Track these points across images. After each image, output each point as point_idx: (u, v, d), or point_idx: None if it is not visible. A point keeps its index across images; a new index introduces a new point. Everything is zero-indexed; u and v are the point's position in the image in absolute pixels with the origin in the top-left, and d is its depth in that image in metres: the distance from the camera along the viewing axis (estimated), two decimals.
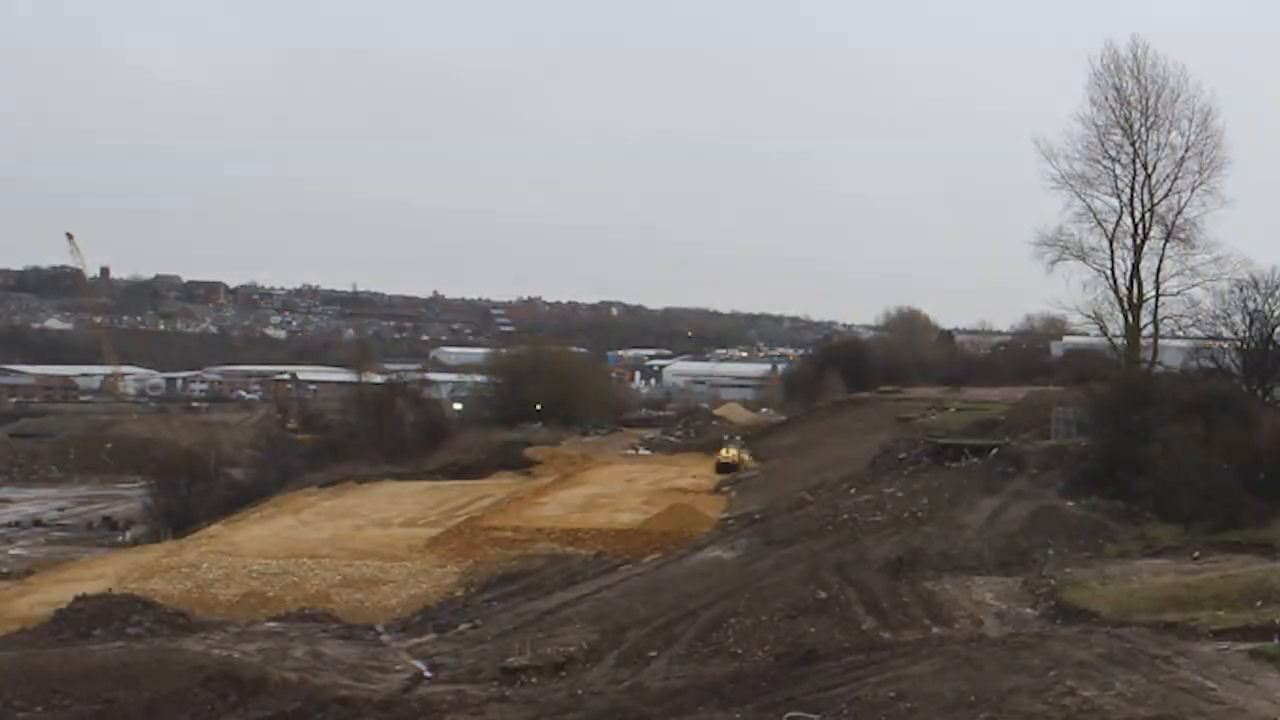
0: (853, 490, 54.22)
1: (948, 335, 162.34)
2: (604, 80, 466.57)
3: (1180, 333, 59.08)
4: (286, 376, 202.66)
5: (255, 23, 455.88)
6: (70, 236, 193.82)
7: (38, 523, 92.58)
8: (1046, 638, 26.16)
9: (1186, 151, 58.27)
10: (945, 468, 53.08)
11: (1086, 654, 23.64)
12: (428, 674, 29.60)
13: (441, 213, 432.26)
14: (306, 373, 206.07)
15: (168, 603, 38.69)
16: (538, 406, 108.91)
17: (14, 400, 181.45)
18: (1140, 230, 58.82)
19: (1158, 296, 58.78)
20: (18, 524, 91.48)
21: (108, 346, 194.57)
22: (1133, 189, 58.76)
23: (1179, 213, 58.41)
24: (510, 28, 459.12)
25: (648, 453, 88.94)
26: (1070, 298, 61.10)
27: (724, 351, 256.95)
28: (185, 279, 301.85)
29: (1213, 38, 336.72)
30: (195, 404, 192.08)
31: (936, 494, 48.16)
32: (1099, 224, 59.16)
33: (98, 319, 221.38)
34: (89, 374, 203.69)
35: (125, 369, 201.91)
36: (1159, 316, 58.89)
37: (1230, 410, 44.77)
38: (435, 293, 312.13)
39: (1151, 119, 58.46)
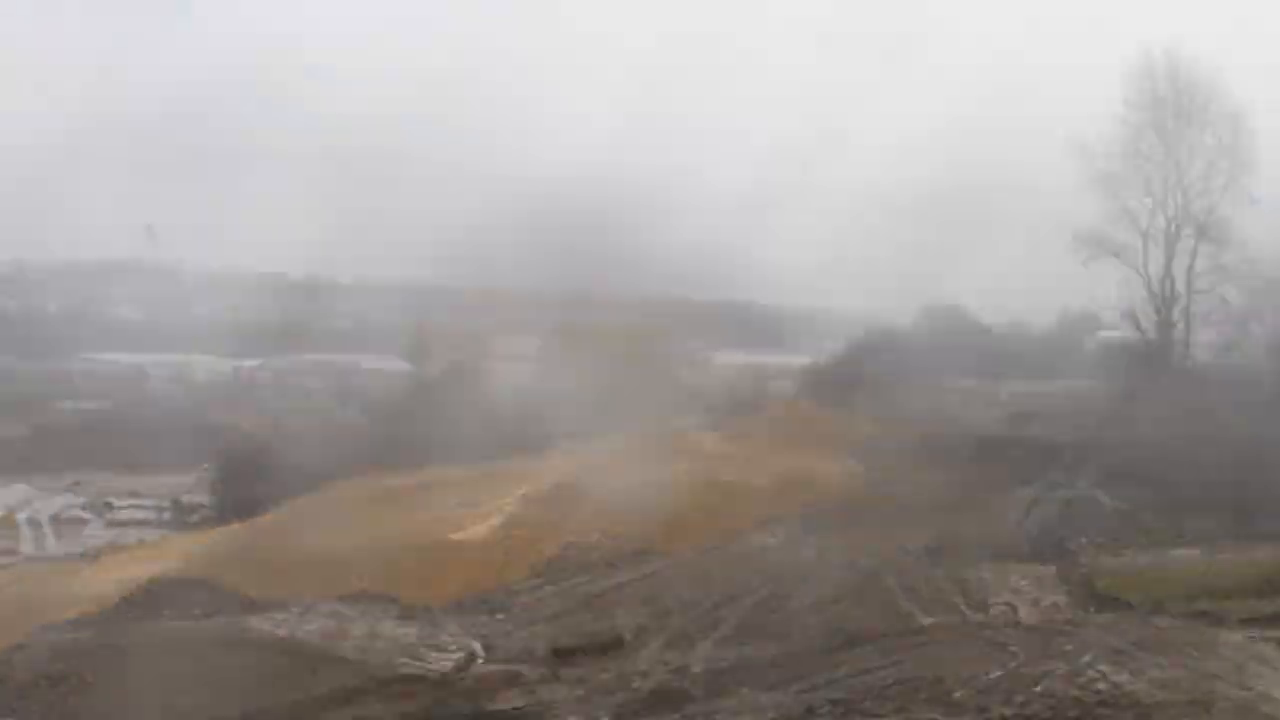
0: (891, 480, 54.53)
1: (985, 329, 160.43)
2: None
3: (1213, 329, 59.10)
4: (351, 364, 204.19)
5: None
6: (150, 228, 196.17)
7: (108, 505, 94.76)
8: (1080, 625, 26.70)
9: (1219, 152, 58.23)
10: (982, 458, 53.34)
11: (1119, 641, 24.14)
12: (481, 654, 30.41)
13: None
14: (370, 361, 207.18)
15: (233, 585, 39.66)
16: None
17: (86, 388, 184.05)
18: (1173, 229, 58.92)
19: (1190, 294, 58.87)
20: (89, 506, 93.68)
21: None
22: (1165, 188, 58.85)
23: (1211, 212, 58.44)
24: None
25: None
26: (1105, 294, 60.97)
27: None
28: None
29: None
30: (262, 391, 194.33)
31: (973, 484, 48.56)
32: (1132, 222, 59.32)
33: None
34: (160, 362, 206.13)
35: (195, 356, 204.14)
36: (1191, 313, 58.97)
37: (1262, 403, 44.96)
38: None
39: (1185, 119, 58.44)
